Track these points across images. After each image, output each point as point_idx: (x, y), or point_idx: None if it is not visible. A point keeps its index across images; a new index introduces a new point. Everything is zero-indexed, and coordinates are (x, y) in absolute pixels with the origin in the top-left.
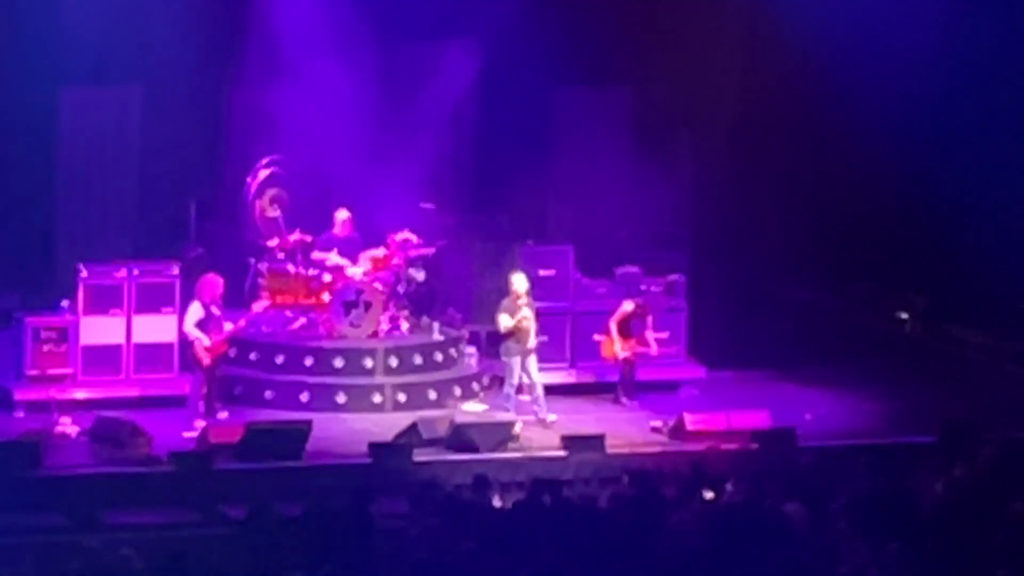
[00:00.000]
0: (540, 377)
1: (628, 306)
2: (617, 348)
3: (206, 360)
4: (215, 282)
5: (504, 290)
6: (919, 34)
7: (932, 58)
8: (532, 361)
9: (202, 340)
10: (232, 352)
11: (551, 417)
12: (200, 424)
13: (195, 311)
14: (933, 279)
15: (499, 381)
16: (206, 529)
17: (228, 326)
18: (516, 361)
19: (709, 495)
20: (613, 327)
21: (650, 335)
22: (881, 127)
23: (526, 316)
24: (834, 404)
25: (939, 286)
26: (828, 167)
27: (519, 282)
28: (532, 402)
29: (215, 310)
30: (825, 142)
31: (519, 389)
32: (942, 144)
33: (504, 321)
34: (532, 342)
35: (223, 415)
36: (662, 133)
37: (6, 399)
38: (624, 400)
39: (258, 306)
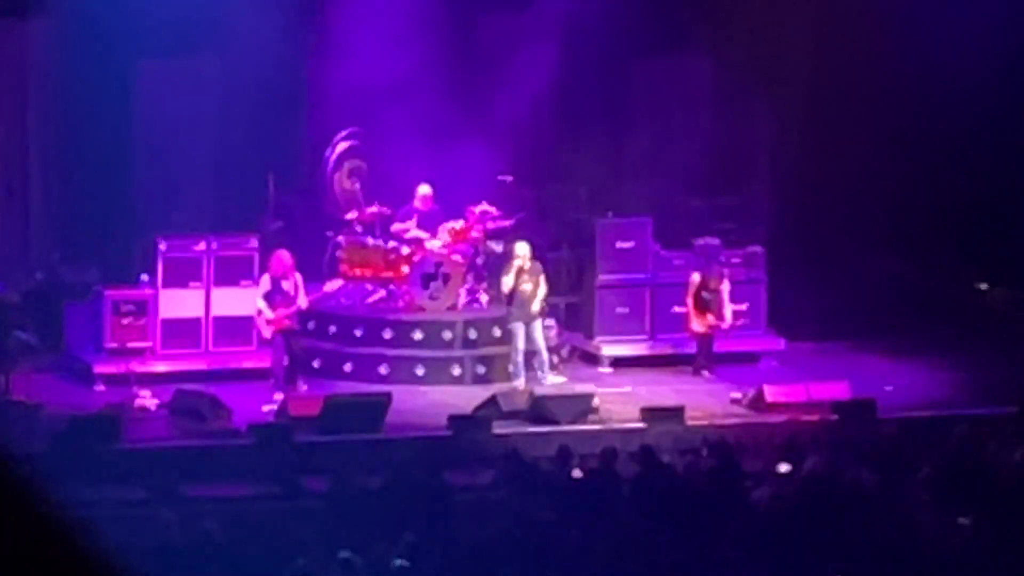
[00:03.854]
0: (543, 343)
1: (696, 277)
2: (694, 323)
3: (266, 333)
4: (282, 257)
5: (582, 262)
6: None
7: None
8: (537, 327)
9: (265, 313)
10: (311, 325)
11: (551, 379)
12: (279, 396)
13: (263, 284)
14: (1016, 250)
15: (579, 352)
16: (286, 501)
17: (302, 300)
18: (519, 327)
19: (784, 468)
20: (689, 302)
21: (727, 308)
22: (965, 90)
23: (525, 281)
24: (915, 375)
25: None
26: (909, 133)
27: (520, 248)
28: (538, 367)
29: (286, 285)
30: (906, 107)
31: (600, 361)
32: None
33: (506, 282)
34: (536, 307)
35: (303, 388)
36: (740, 102)
37: (86, 372)
38: (704, 372)
39: (330, 286)
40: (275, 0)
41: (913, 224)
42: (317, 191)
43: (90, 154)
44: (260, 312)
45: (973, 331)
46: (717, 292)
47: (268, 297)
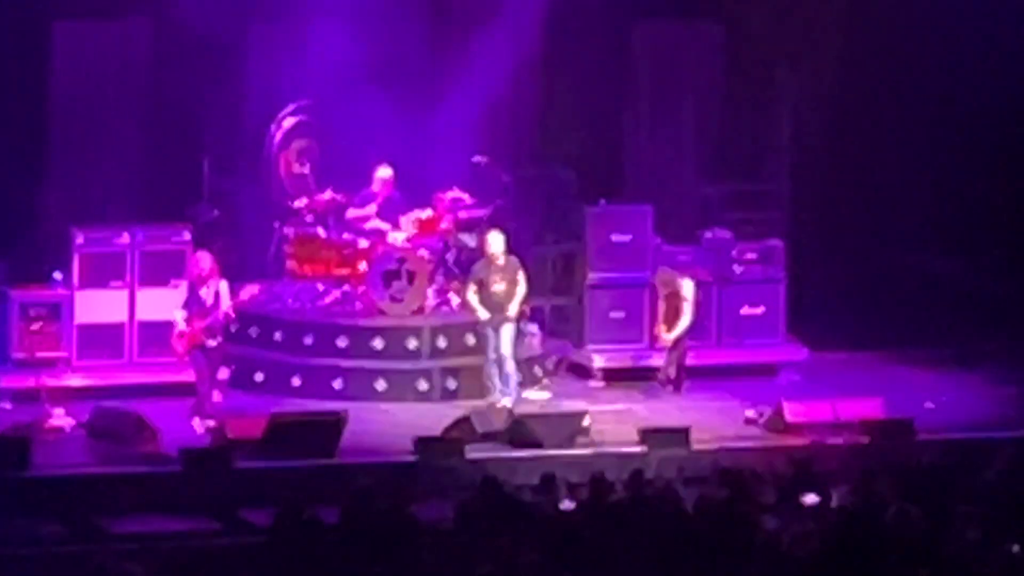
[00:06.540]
0: (511, 351)
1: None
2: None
3: (178, 348)
4: (200, 260)
5: (570, 258)
6: None
7: None
8: (506, 331)
9: (177, 325)
10: (253, 331)
11: (504, 401)
12: (196, 422)
13: (181, 291)
14: None
15: (566, 364)
16: (224, 538)
17: (225, 306)
18: (490, 333)
19: (812, 500)
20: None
21: (683, 319)
22: (1016, 66)
23: (498, 280)
24: (959, 390)
25: None
26: (955, 111)
27: (494, 241)
28: (501, 381)
29: (204, 292)
30: (951, 81)
31: (591, 374)
32: None
33: (470, 284)
34: (513, 309)
35: (217, 397)
36: (759, 73)
37: None
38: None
39: (247, 292)
40: None
41: (960, 215)
42: (260, 175)
43: None
44: (175, 324)
45: None
46: (674, 296)
47: (186, 306)
